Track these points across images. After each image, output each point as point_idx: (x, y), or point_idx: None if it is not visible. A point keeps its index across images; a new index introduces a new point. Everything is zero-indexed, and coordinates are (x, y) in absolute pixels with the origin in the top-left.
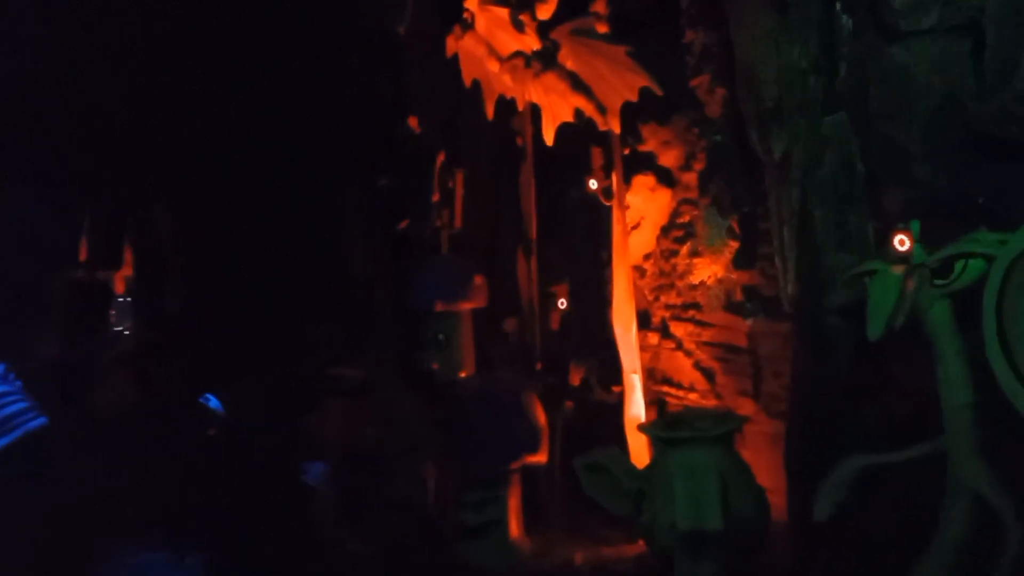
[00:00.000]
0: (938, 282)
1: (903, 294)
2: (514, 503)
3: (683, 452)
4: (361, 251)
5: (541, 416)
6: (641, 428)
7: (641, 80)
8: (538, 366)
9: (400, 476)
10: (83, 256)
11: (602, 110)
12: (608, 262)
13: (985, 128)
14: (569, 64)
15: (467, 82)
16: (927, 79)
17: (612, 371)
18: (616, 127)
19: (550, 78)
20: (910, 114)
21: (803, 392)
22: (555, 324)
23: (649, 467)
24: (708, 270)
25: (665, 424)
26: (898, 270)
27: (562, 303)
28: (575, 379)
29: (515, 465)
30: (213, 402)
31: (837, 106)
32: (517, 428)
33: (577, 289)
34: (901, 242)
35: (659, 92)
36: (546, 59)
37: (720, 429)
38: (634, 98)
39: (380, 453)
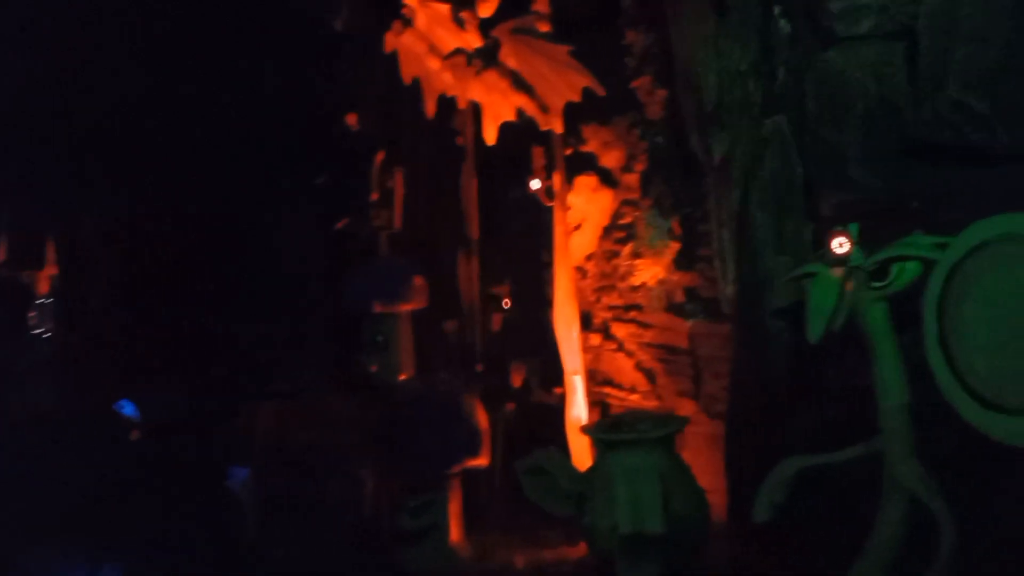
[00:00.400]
0: (875, 284)
1: (842, 296)
2: (454, 507)
3: (624, 454)
4: (298, 251)
5: (482, 419)
6: (583, 430)
7: (583, 80)
8: (478, 368)
9: (335, 480)
10: (2, 256)
11: (544, 109)
12: (550, 263)
13: (920, 133)
14: (511, 63)
15: (406, 79)
16: (863, 84)
17: (553, 372)
18: (558, 127)
19: (491, 76)
20: (846, 118)
21: (743, 393)
22: (496, 325)
23: (591, 469)
24: (649, 271)
25: (607, 426)
26: (837, 273)
27: (506, 304)
28: (516, 381)
29: (455, 469)
30: (128, 408)
31: (776, 109)
32: (457, 431)
33: (518, 290)
34: (840, 244)
35: (601, 92)
36: (487, 57)
37: (661, 431)
38: (576, 98)
39: (314, 457)
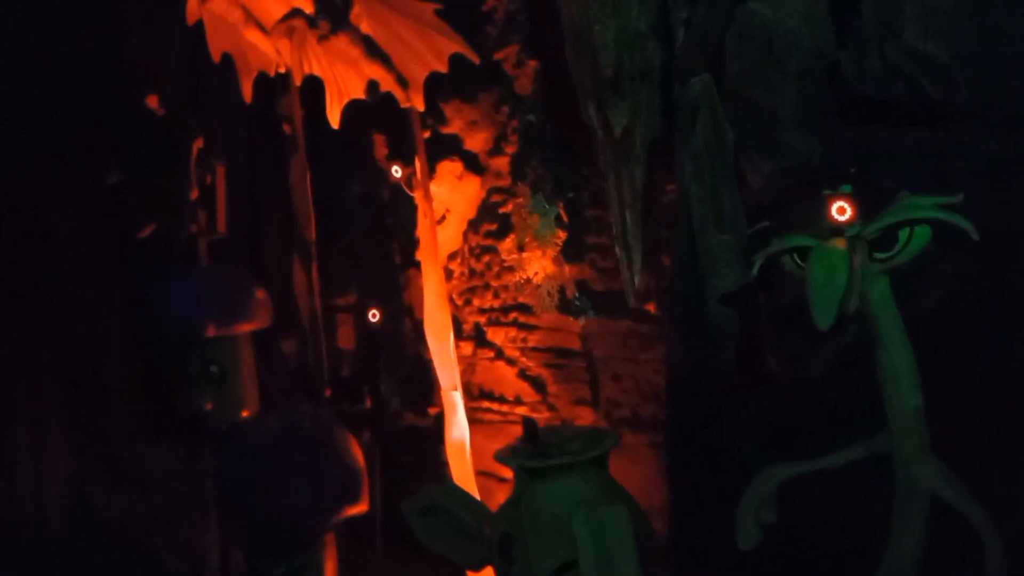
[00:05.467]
0: (879, 256)
1: (853, 272)
2: (331, 567)
3: (557, 483)
4: (82, 270)
5: (358, 455)
6: (498, 458)
7: (452, 45)
8: (327, 393)
9: (164, 550)
10: None
11: (403, 83)
12: (404, 264)
13: (863, 88)
14: (364, 26)
15: (215, 56)
16: (796, 36)
17: (419, 390)
18: (420, 103)
19: (340, 43)
20: (778, 76)
21: (684, 394)
22: (345, 342)
23: (510, 504)
24: (537, 265)
25: (527, 450)
26: (841, 244)
27: (374, 316)
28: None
29: (333, 521)
30: None
31: (694, 70)
32: (333, 474)
33: (370, 298)
34: (841, 210)
35: (476, 59)
36: (336, 19)
37: (598, 449)
38: (443, 68)
39: (134, 526)
